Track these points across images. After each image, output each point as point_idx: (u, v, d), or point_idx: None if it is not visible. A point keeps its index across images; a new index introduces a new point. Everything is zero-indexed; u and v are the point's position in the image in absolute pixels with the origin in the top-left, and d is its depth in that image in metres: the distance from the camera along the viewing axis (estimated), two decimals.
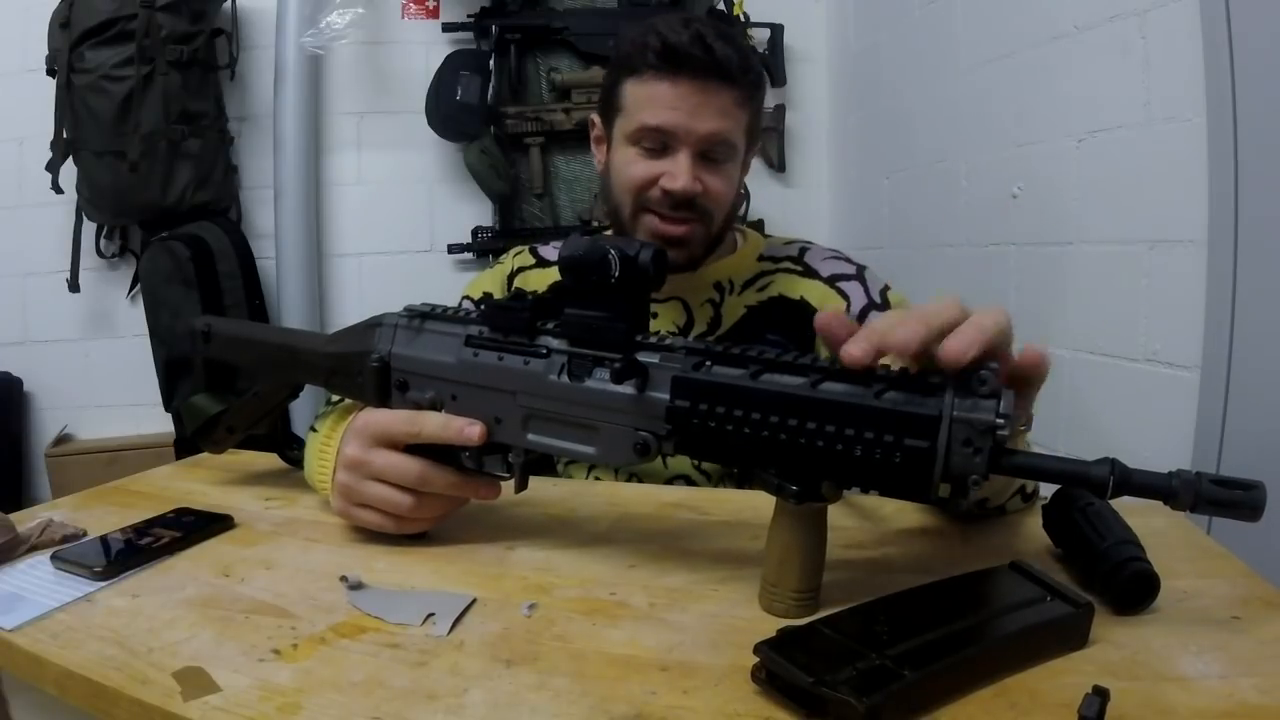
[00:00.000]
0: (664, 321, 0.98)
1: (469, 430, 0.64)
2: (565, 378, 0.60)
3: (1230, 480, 0.46)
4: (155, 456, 1.94)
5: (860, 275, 0.97)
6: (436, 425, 0.65)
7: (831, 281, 0.97)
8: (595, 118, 0.99)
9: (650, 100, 0.88)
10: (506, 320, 0.63)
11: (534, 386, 0.62)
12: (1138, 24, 1.27)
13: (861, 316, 0.94)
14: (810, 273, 0.98)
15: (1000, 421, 0.46)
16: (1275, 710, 0.43)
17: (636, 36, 0.89)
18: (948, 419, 0.48)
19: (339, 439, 0.72)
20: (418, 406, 0.67)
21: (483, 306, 0.65)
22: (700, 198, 0.89)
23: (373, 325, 0.70)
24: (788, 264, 0.99)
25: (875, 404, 0.49)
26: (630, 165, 0.91)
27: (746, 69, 0.88)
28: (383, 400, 0.69)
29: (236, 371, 0.86)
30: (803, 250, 1.01)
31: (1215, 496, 0.46)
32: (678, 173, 0.87)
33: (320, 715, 0.45)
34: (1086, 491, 0.63)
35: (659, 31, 0.86)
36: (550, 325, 0.62)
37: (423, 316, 0.68)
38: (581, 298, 0.60)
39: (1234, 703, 0.44)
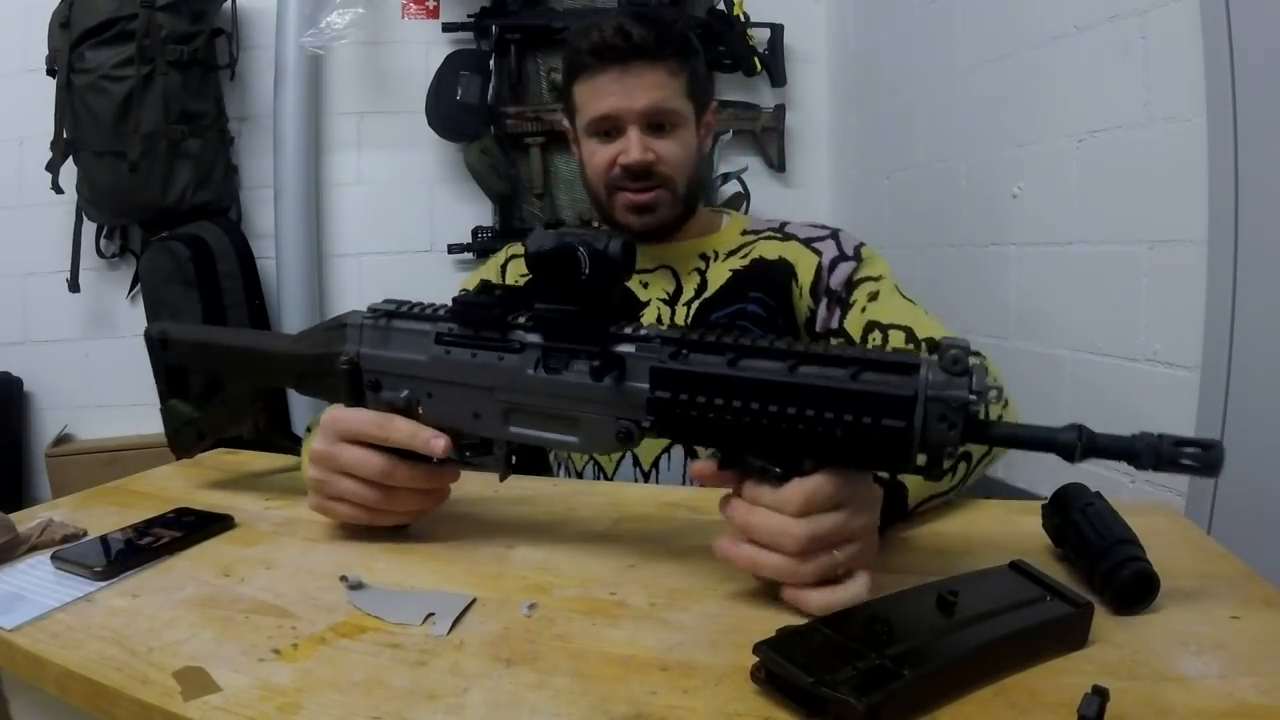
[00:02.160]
0: (655, 289, 1.03)
1: (434, 443, 0.64)
2: (542, 371, 0.61)
3: (1190, 440, 0.48)
4: (155, 456, 1.92)
5: (834, 234, 1.04)
6: (405, 433, 0.65)
7: (807, 243, 1.03)
8: (565, 123, 1.08)
9: (593, 94, 0.98)
10: (476, 316, 0.63)
11: (511, 381, 0.62)
12: (1138, 24, 1.27)
13: (832, 266, 0.99)
14: (788, 237, 1.05)
15: (973, 397, 0.49)
16: (1275, 710, 0.43)
17: (573, 43, 1.00)
18: (923, 398, 0.50)
19: None
20: (392, 406, 0.67)
21: (451, 303, 0.65)
22: (656, 165, 0.98)
23: (339, 325, 0.70)
24: (768, 233, 1.06)
25: (853, 386, 0.51)
26: (594, 155, 1.01)
27: (666, 42, 0.96)
28: (357, 401, 0.69)
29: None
30: (783, 224, 1.08)
31: (1175, 456, 0.48)
32: (629, 147, 0.97)
33: (320, 715, 0.45)
34: (1084, 488, 0.63)
35: (588, 34, 0.97)
36: (522, 319, 0.62)
37: (388, 315, 0.68)
38: (552, 292, 0.60)
39: (1234, 703, 0.44)
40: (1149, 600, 0.54)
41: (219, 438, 0.85)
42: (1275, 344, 1.08)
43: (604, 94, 0.97)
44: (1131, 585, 0.54)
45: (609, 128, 0.99)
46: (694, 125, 1.02)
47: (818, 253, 1.01)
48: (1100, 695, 0.41)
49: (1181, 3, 1.19)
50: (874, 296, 0.95)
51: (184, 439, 0.85)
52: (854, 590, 0.54)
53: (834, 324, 0.96)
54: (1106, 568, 0.55)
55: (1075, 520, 0.60)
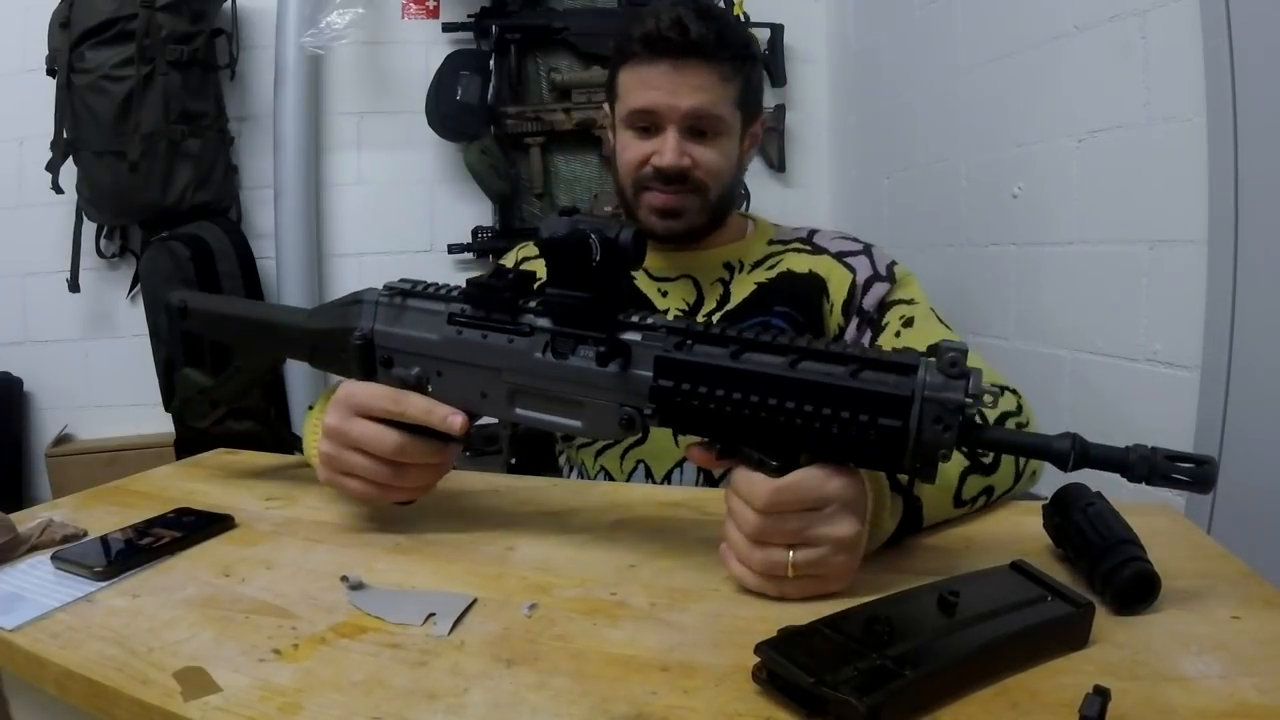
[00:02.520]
0: (675, 299, 1.00)
1: (452, 419, 0.65)
2: (550, 355, 0.62)
3: (1183, 455, 0.48)
4: (155, 456, 1.94)
5: (867, 251, 1.00)
6: (420, 410, 0.65)
7: (839, 257, 1.00)
8: (605, 106, 1.04)
9: (637, 84, 0.93)
10: (489, 298, 0.64)
11: (519, 364, 0.63)
12: (1138, 24, 1.27)
13: (866, 285, 0.96)
14: (819, 250, 1.01)
15: (969, 400, 0.50)
16: (1275, 710, 0.43)
17: (627, 26, 0.94)
18: (919, 399, 0.50)
19: None
20: (403, 383, 0.68)
21: (465, 284, 0.66)
22: (691, 171, 0.94)
23: (354, 302, 0.71)
24: (796, 244, 1.03)
25: (851, 384, 0.52)
26: (627, 148, 0.97)
27: (725, 44, 0.91)
28: (368, 376, 0.70)
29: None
30: (811, 233, 1.05)
31: (1168, 470, 0.48)
32: (665, 149, 0.92)
33: (321, 715, 0.45)
34: (1085, 489, 0.63)
35: (643, 19, 0.92)
36: (532, 303, 0.63)
37: (404, 294, 0.69)
38: (563, 278, 0.61)
39: (1234, 703, 0.44)
40: (1150, 600, 0.54)
41: (231, 407, 0.86)
42: (1275, 344, 1.08)
43: (649, 87, 0.92)
44: (1132, 585, 0.54)
45: (647, 123, 0.94)
46: (738, 136, 0.97)
47: (851, 269, 0.98)
48: (1101, 695, 0.41)
49: (1181, 3, 1.19)
50: (909, 322, 0.93)
51: (197, 406, 0.86)
52: (789, 588, 0.56)
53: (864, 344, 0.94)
54: (1107, 568, 0.55)
55: (1076, 520, 0.60)
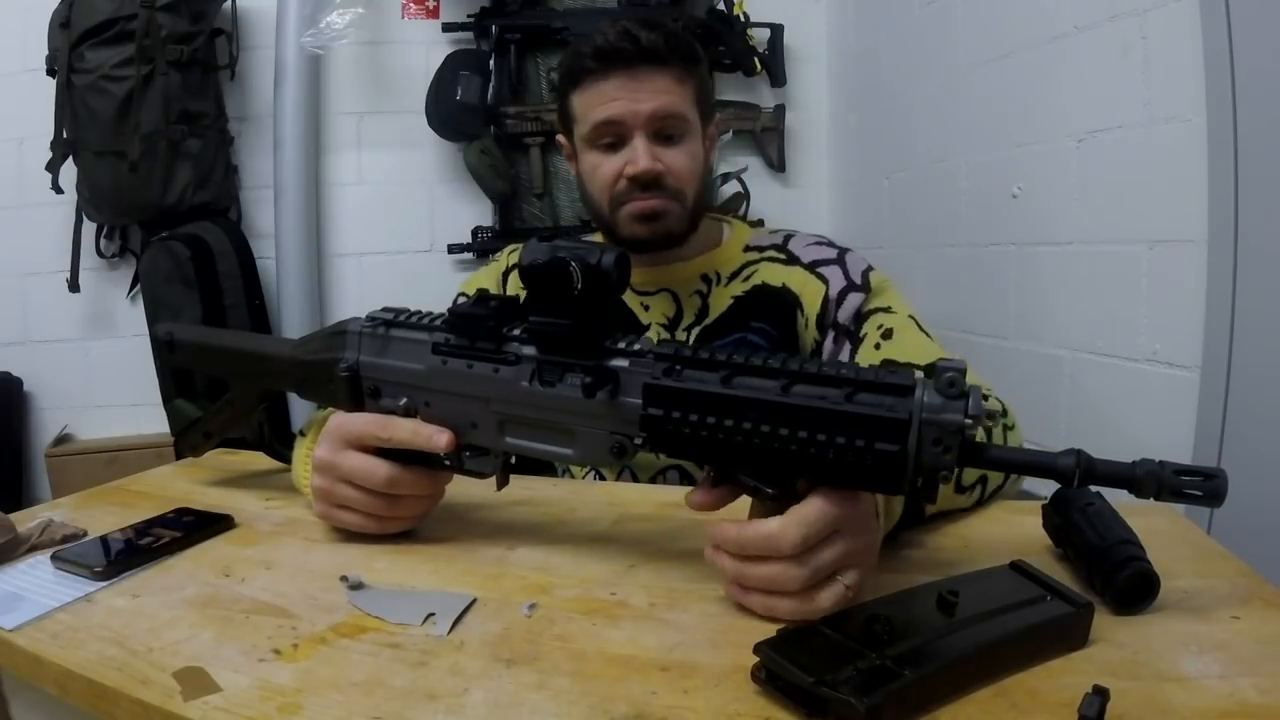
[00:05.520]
0: (655, 313, 1.00)
1: (437, 438, 0.64)
2: (536, 384, 0.61)
3: (1192, 469, 0.47)
4: (155, 456, 1.94)
5: (841, 259, 0.99)
6: (407, 432, 0.65)
7: (812, 267, 0.98)
8: (560, 138, 1.04)
9: (595, 100, 0.93)
10: (472, 327, 0.64)
11: (506, 393, 0.62)
12: (1138, 24, 1.27)
13: (840, 298, 0.95)
14: (793, 260, 1.00)
15: (969, 421, 0.48)
16: (1275, 710, 0.43)
17: (573, 50, 0.95)
18: (917, 421, 0.49)
19: None
20: (391, 414, 0.67)
21: (448, 313, 0.65)
22: (665, 176, 0.93)
23: (338, 332, 0.71)
24: (772, 252, 1.01)
25: (846, 408, 0.50)
26: (597, 168, 0.95)
27: (675, 48, 0.92)
28: (356, 406, 0.69)
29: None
30: (787, 238, 1.03)
31: (1177, 485, 0.47)
32: (637, 156, 0.92)
33: (321, 715, 0.45)
34: (1084, 489, 0.63)
35: (590, 39, 0.92)
36: (517, 331, 0.62)
37: (387, 324, 0.68)
38: (546, 305, 0.60)
39: (1234, 703, 0.44)
40: (1149, 600, 0.54)
41: (224, 438, 0.85)
42: (1275, 344, 1.08)
43: (608, 99, 0.91)
44: (1132, 585, 0.54)
45: (613, 137, 0.93)
46: (700, 136, 0.97)
47: (824, 280, 0.96)
48: (1101, 695, 0.41)
49: (1181, 3, 1.19)
50: (888, 333, 0.91)
51: (190, 439, 0.85)
52: (843, 603, 0.54)
53: (843, 358, 0.93)
54: (1107, 568, 0.55)
55: (1075, 520, 0.61)
